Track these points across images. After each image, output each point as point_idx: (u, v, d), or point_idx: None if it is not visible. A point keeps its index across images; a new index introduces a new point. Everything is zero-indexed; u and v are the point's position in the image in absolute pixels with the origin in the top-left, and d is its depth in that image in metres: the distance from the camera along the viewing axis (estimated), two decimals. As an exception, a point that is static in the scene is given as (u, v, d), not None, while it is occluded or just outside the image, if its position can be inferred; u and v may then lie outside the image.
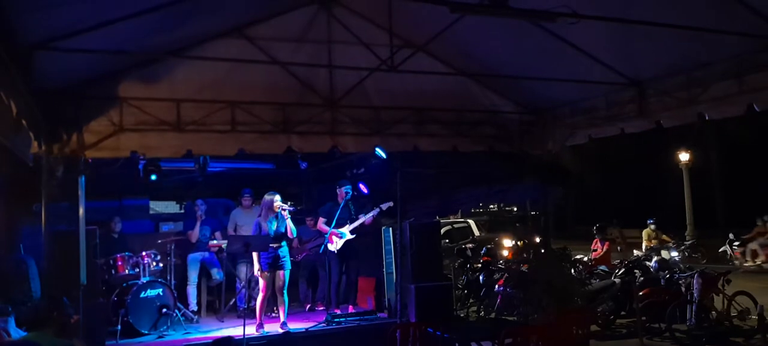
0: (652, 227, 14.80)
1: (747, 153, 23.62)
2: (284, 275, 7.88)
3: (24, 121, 5.35)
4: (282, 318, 7.88)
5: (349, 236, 8.77)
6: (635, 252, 12.27)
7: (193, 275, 9.09)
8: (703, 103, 6.55)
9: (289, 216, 7.85)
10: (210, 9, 6.26)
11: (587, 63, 6.86)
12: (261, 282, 7.87)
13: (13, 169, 7.12)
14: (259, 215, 8.02)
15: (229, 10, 6.62)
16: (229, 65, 6.98)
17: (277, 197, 7.89)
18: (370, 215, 8.84)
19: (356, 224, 8.79)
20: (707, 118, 6.60)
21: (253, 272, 8.07)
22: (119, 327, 7.53)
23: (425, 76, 7.63)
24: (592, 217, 18.48)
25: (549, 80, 7.39)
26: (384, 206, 8.77)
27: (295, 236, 7.91)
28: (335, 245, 8.74)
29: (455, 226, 18.76)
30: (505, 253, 13.89)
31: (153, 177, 8.90)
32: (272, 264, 7.79)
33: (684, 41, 5.96)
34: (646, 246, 14.05)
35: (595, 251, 11.83)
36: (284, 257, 7.89)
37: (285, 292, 7.95)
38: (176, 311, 8.12)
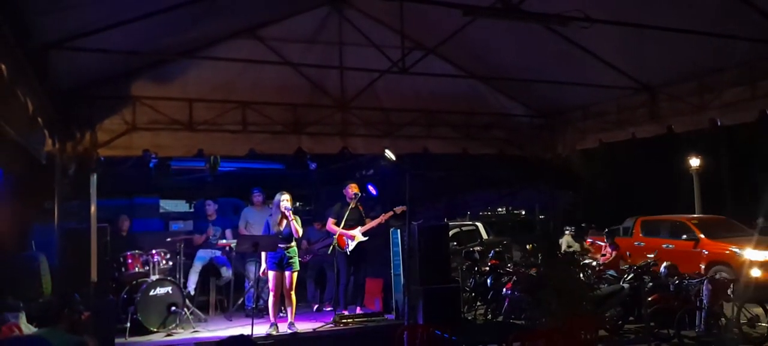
0: (570, 234, 14.58)
1: (759, 159, 23.43)
2: (291, 275, 7.87)
3: (39, 119, 5.41)
4: (290, 318, 7.88)
5: (362, 239, 8.74)
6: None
7: (198, 265, 9.11)
8: (715, 109, 6.53)
9: (292, 215, 7.71)
10: (222, 10, 6.30)
11: (599, 67, 6.84)
12: (270, 282, 7.88)
13: (26, 167, 7.18)
14: (271, 215, 8.02)
15: (241, 11, 6.65)
16: (241, 66, 7.02)
17: (284, 197, 7.85)
18: (384, 217, 8.79)
19: (370, 226, 8.75)
20: (719, 123, 6.57)
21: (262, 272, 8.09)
22: (128, 324, 7.58)
23: (436, 78, 7.63)
24: (602, 222, 18.39)
25: (560, 84, 7.38)
26: (398, 209, 8.71)
27: (300, 235, 7.87)
28: (347, 246, 8.72)
29: (463, 228, 18.72)
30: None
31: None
32: (278, 264, 7.79)
33: (696, 46, 5.93)
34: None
35: (605, 255, 11.78)
36: (291, 257, 7.83)
37: (293, 292, 7.95)
38: (185, 309, 8.17)
